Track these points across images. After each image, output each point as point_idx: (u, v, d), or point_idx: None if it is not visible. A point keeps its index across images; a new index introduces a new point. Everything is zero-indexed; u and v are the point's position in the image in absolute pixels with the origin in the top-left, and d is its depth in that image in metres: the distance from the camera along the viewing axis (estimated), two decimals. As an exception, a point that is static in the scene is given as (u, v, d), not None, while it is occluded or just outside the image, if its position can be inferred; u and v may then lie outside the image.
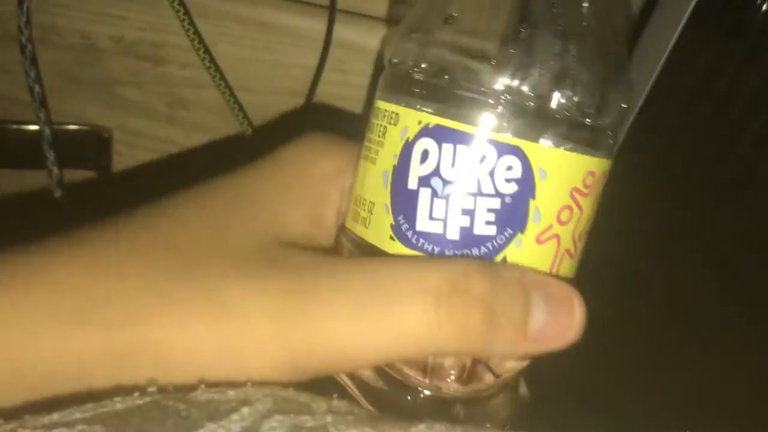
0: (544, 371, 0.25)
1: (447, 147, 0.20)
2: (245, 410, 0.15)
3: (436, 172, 0.20)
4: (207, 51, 0.43)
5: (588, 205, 0.22)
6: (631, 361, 0.44)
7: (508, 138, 0.20)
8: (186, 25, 0.42)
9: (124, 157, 0.50)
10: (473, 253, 0.20)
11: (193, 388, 0.17)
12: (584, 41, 0.21)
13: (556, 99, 0.21)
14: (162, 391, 0.16)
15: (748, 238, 0.38)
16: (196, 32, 0.43)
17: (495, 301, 0.20)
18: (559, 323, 0.21)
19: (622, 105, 0.22)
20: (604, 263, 0.48)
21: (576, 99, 0.21)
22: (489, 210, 0.20)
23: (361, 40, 0.46)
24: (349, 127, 0.47)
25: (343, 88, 0.47)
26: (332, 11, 0.45)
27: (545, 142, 0.21)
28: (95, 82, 0.48)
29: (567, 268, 0.22)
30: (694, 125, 0.43)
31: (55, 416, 0.16)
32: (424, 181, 0.21)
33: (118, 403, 0.16)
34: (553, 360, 0.25)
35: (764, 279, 0.37)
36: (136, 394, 0.16)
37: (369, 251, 0.22)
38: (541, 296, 0.20)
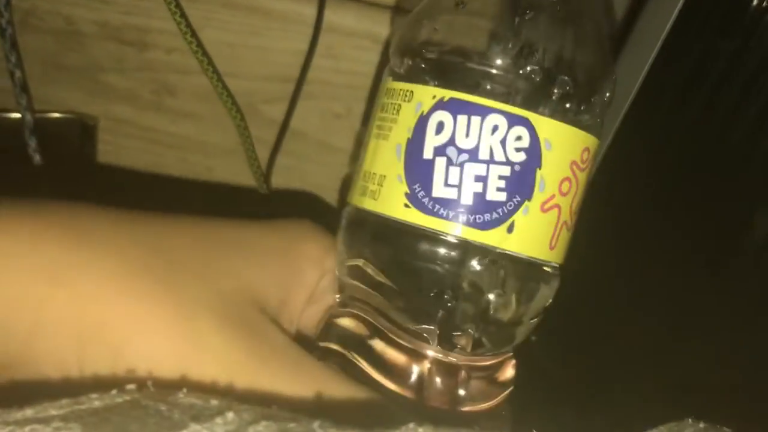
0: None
1: (461, 118, 0.22)
2: (230, 415, 0.14)
3: (451, 141, 0.22)
4: (195, 35, 0.42)
5: (583, 179, 0.24)
6: (624, 352, 0.43)
7: (518, 110, 0.22)
8: (173, 9, 0.41)
9: (110, 145, 0.49)
10: (485, 218, 0.22)
11: (172, 390, 0.16)
12: (580, 27, 0.23)
13: (559, 76, 0.23)
14: (141, 391, 0.15)
15: (736, 235, 0.38)
16: (183, 16, 0.41)
17: None
18: None
19: (608, 93, 0.25)
20: (597, 255, 0.47)
21: (575, 77, 0.23)
22: (500, 177, 0.22)
23: (352, 25, 0.45)
24: (337, 109, 0.46)
25: (334, 74, 0.46)
26: (322, -5, 0.44)
27: (550, 116, 0.22)
28: (79, 68, 0.46)
29: (564, 239, 0.24)
30: (684, 121, 0.42)
31: (29, 412, 0.15)
32: (439, 150, 0.22)
33: (96, 401, 0.15)
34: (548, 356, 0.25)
35: (754, 270, 0.36)
36: (114, 391, 0.15)
37: (378, 222, 0.23)
38: None
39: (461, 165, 0.22)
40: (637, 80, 0.45)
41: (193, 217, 0.24)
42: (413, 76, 0.24)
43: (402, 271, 0.23)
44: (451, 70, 0.23)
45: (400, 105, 0.23)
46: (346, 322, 0.24)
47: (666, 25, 0.43)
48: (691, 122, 0.43)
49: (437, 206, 0.22)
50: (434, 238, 0.22)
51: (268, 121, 0.47)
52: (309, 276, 0.25)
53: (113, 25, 0.45)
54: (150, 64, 0.46)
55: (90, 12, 0.45)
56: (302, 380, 0.21)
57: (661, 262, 0.43)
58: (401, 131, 0.23)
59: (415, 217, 0.22)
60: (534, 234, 0.22)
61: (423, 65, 0.24)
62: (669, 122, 0.44)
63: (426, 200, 0.22)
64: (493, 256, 0.22)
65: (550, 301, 0.25)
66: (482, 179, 0.22)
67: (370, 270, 0.24)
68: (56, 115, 0.46)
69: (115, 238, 0.21)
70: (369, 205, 0.24)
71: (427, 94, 0.22)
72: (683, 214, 0.42)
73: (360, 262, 0.24)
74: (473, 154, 0.22)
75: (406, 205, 0.22)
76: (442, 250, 0.22)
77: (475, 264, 0.22)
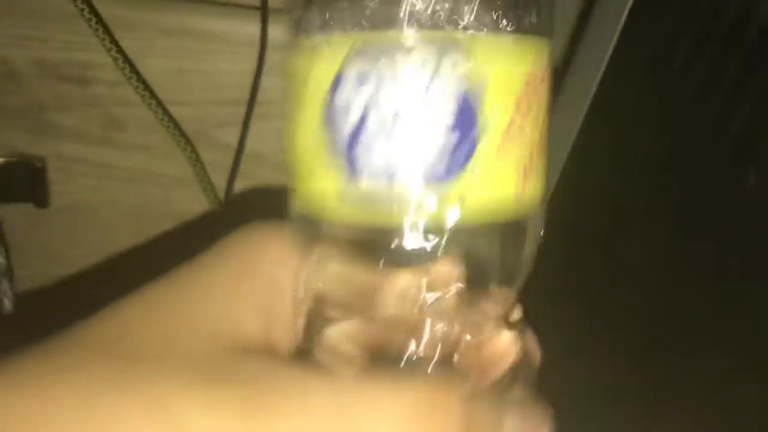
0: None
1: (383, 63, 0.18)
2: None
3: (376, 94, 0.18)
4: (132, 68, 0.40)
5: (544, 91, 0.20)
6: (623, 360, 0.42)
7: (443, 34, 0.18)
8: (107, 44, 0.39)
9: (62, 185, 0.47)
10: (437, 171, 0.18)
11: None
12: None
13: None
14: None
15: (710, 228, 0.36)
16: (119, 50, 0.40)
17: (470, 424, 0.19)
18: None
19: None
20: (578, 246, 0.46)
21: None
22: (443, 119, 0.18)
23: (299, 41, 0.43)
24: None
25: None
26: (264, 11, 0.42)
27: (484, 35, 0.19)
28: (21, 109, 0.45)
29: (535, 178, 0.20)
30: (650, 105, 0.41)
31: None
32: (364, 112, 0.19)
33: None
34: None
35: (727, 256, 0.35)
36: None
37: (310, 218, 0.20)
38: (512, 410, 0.20)
39: (395, 119, 0.18)
40: (601, 65, 0.44)
41: (145, 287, 0.21)
42: (320, 27, 0.20)
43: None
44: (360, 8, 0.19)
45: (310, 66, 0.19)
46: (333, 332, 0.21)
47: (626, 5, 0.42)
48: (658, 107, 0.41)
49: (379, 170, 0.18)
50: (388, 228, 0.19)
51: (222, 146, 0.46)
52: (283, 282, 0.22)
53: (51, 62, 0.43)
54: (94, 100, 0.45)
55: (26, 51, 0.43)
56: (314, 403, 0.18)
57: (633, 245, 0.42)
58: (317, 99, 0.19)
59: (354, 192, 0.19)
60: (493, 177, 0.19)
61: (329, 12, 0.19)
62: (635, 109, 0.43)
63: (365, 168, 0.19)
64: (455, 214, 0.19)
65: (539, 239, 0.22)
66: (423, 128, 0.18)
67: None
68: (2, 159, 0.45)
69: (60, 371, 0.19)
70: (302, 205, 0.20)
71: (339, 46, 0.19)
72: (655, 204, 0.41)
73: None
74: (406, 101, 0.18)
75: (347, 180, 0.19)
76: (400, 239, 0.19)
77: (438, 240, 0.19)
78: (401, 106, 0.18)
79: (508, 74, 0.19)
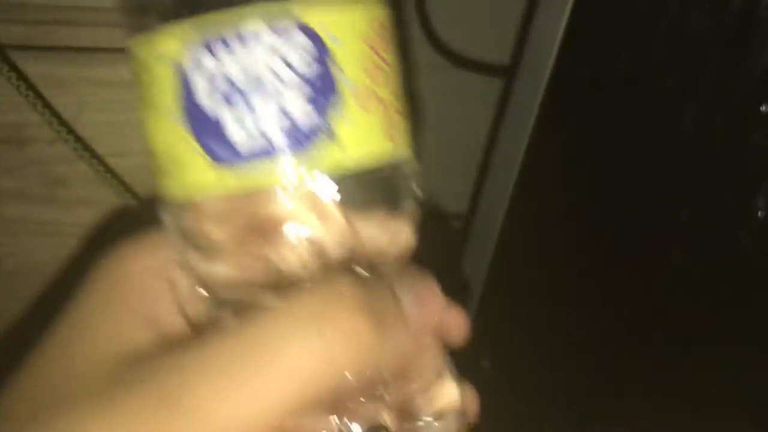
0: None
1: (222, 49, 0.18)
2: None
3: (229, 83, 0.18)
4: (68, 129, 0.40)
5: (391, 57, 0.21)
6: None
7: (277, 6, 0.18)
8: (40, 108, 0.38)
9: (9, 247, 0.46)
10: (304, 146, 0.19)
11: None
12: None
13: None
14: None
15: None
16: (47, 106, 0.39)
17: (371, 304, 0.19)
18: (426, 299, 0.21)
19: None
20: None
21: None
22: (299, 96, 0.18)
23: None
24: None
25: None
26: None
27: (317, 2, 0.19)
28: (-41, 176, 0.44)
29: (402, 128, 0.21)
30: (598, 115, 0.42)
31: None
32: (221, 98, 0.18)
33: None
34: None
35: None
36: None
37: (182, 206, 0.20)
38: (401, 285, 0.21)
39: (249, 102, 0.18)
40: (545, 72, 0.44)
41: (37, 344, 0.21)
42: (153, 21, 0.19)
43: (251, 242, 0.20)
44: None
45: (152, 64, 0.19)
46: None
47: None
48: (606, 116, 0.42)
49: (248, 156, 0.18)
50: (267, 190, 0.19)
51: (170, 193, 0.45)
52: (160, 290, 0.22)
53: (-14, 126, 0.42)
54: (34, 159, 0.44)
55: (-42, 117, 0.42)
56: (209, 365, 0.18)
57: (596, 245, 0.42)
58: (167, 93, 0.19)
59: (227, 180, 0.19)
60: (363, 132, 0.19)
61: (159, 7, 0.19)
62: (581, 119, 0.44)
63: (233, 155, 0.18)
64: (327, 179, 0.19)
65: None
66: (282, 109, 0.18)
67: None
68: (-57, 229, 0.44)
69: None
70: (173, 190, 0.20)
71: (175, 38, 0.18)
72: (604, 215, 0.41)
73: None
74: (256, 85, 0.18)
75: (214, 168, 0.19)
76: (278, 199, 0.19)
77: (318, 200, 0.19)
78: (250, 92, 0.18)
79: (353, 43, 0.19)
